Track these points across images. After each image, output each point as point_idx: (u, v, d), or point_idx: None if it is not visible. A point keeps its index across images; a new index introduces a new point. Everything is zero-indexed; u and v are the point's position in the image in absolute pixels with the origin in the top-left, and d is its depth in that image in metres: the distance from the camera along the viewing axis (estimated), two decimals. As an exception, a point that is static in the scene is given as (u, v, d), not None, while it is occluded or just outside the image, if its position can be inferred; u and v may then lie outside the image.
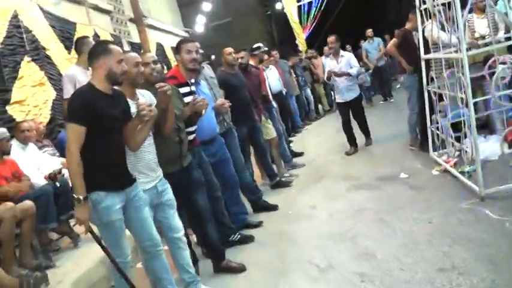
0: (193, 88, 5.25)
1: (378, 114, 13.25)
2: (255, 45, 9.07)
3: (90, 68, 6.00)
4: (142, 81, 4.18)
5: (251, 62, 8.37)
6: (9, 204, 4.81)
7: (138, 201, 3.87)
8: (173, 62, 16.64)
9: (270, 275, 4.69)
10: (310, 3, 21.65)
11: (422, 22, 6.92)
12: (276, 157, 8.59)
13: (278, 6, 25.96)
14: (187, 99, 4.94)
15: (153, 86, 4.30)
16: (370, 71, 15.79)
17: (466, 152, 6.06)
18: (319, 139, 11.99)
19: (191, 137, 5.02)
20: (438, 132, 6.99)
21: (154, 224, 4.08)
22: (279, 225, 6.14)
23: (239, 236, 5.64)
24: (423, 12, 6.80)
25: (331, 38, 9.31)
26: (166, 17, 19.59)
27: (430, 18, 6.60)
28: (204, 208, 4.91)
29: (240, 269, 4.96)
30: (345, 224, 5.60)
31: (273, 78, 10.86)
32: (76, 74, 5.95)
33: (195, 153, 5.07)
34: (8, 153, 5.68)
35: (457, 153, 6.52)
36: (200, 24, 22.83)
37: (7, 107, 7.32)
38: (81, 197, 3.47)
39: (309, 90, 15.78)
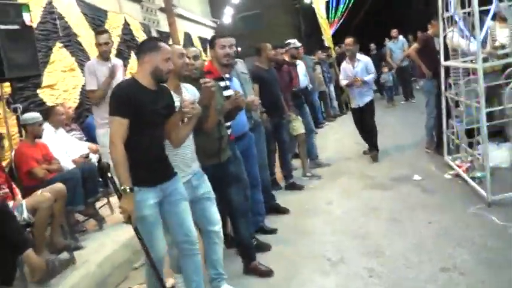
0: (227, 83, 5.24)
1: (398, 115, 13.49)
2: (287, 41, 9.16)
3: (110, 60, 6.32)
4: (186, 73, 4.18)
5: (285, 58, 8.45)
6: (47, 195, 4.98)
7: (175, 195, 3.82)
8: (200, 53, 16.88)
9: (285, 267, 4.89)
10: (338, 0, 21.65)
11: (445, 29, 7.09)
12: (301, 154, 8.55)
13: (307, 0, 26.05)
14: (224, 93, 4.94)
15: (194, 82, 4.35)
16: (393, 71, 15.92)
17: (477, 158, 6.25)
18: (339, 136, 12.21)
19: (228, 131, 5.00)
20: (453, 137, 7.18)
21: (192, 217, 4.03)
22: (296, 218, 6.37)
23: (255, 241, 5.37)
24: (445, 20, 6.98)
25: (349, 40, 8.98)
26: (195, 7, 19.78)
27: (452, 25, 6.76)
28: (237, 204, 4.80)
29: (267, 273, 4.79)
30: (359, 222, 5.82)
31: (300, 74, 10.49)
32: (95, 64, 6.25)
33: (230, 148, 5.00)
34: (40, 137, 5.92)
35: (470, 158, 6.68)
36: (228, 16, 22.91)
37: (38, 91, 7.58)
38: (127, 187, 3.44)
39: (332, 87, 15.71)
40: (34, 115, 5.89)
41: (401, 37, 16.09)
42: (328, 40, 20.06)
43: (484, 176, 5.76)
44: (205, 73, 4.90)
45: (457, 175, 6.68)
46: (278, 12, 32.00)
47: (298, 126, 8.28)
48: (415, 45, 8.45)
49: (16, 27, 5.65)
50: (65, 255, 4.96)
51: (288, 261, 5.04)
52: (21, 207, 4.81)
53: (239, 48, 14.50)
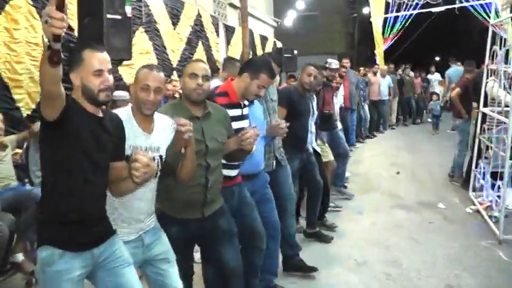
0: (245, 112, 4.18)
1: (438, 143, 14.25)
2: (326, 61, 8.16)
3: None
4: (150, 112, 3.08)
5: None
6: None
7: (114, 261, 2.87)
8: (259, 50, 17.13)
9: (318, 262, 5.66)
10: (396, 18, 22.08)
11: (487, 77, 7.88)
12: (328, 183, 7.13)
13: (365, 10, 26.48)
14: (236, 124, 3.91)
15: (198, 105, 3.51)
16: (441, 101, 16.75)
17: (497, 200, 6.99)
18: (373, 153, 13.05)
19: (234, 172, 4.03)
20: (479, 176, 7.90)
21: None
22: (330, 221, 7.11)
23: None
24: (490, 70, 7.78)
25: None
26: (260, 4, 20.01)
27: (495, 75, 7.52)
28: (230, 267, 3.73)
29: None
30: (383, 234, 6.67)
31: (339, 92, 9.67)
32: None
33: (235, 193, 4.06)
34: (125, 112, 6.77)
35: (490, 198, 7.33)
36: (289, 18, 23.37)
37: (119, 67, 8.51)
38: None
39: (366, 107, 15.29)
40: (124, 93, 6.76)
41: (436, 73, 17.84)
42: (380, 55, 20.51)
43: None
44: (218, 95, 4.03)
45: (477, 211, 7.39)
46: (335, 18, 32.81)
47: (326, 152, 7.36)
48: (458, 89, 9.28)
49: (119, 17, 6.42)
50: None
51: (320, 257, 5.86)
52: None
53: (295, 51, 15.12)
